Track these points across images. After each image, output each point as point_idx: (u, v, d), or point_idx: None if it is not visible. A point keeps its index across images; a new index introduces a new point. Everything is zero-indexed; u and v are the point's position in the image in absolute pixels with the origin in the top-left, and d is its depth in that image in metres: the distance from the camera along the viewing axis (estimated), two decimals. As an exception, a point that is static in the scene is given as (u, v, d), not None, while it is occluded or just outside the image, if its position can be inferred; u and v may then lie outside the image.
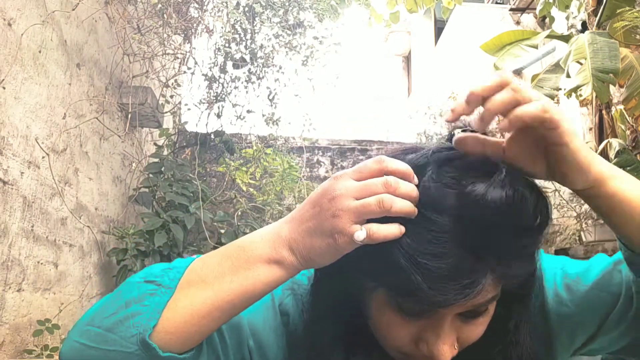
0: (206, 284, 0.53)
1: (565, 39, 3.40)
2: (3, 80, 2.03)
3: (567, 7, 4.15)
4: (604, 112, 3.81)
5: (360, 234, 0.51)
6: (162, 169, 3.44)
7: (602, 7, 3.37)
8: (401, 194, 0.52)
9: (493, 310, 0.59)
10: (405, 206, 0.51)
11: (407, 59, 12.06)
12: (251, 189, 4.14)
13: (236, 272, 0.53)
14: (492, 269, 0.51)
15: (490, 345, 0.62)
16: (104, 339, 0.52)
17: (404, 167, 0.54)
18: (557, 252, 4.01)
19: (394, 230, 0.51)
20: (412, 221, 0.52)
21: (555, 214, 4.07)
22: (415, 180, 0.54)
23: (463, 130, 0.56)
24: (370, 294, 0.58)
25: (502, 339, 0.62)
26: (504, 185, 0.51)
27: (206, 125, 3.89)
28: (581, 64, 2.93)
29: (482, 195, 0.50)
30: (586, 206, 2.76)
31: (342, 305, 0.63)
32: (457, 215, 0.50)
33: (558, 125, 0.50)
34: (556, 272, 0.69)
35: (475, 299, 0.52)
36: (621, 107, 3.48)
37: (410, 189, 0.52)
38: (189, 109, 4.18)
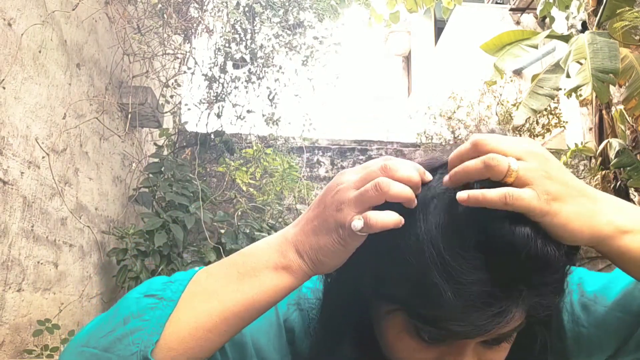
0: (211, 295, 0.50)
1: (565, 39, 3.40)
2: (3, 80, 2.03)
3: (567, 7, 4.15)
4: (604, 112, 3.82)
5: (358, 223, 0.49)
6: (162, 169, 3.44)
7: (602, 7, 3.37)
8: (400, 177, 0.50)
9: (515, 335, 0.56)
10: (403, 190, 0.49)
11: (407, 59, 12.06)
12: (251, 189, 4.14)
13: (242, 281, 0.51)
14: (523, 299, 0.49)
15: None
16: None
17: (411, 174, 0.51)
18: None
19: (393, 218, 0.49)
20: (446, 246, 0.48)
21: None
22: (428, 176, 0.52)
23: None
24: (387, 316, 0.55)
25: None
26: (526, 221, 0.48)
27: (206, 125, 3.89)
28: (581, 64, 2.93)
29: (509, 233, 0.47)
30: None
31: (353, 325, 0.59)
32: (486, 249, 0.48)
33: (528, 209, 0.47)
34: (573, 288, 0.65)
35: (503, 328, 0.50)
36: (621, 107, 3.49)
37: (410, 173, 0.50)
38: (189, 109, 4.19)
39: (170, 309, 0.49)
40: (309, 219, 0.53)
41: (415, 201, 0.50)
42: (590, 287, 0.65)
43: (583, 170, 5.45)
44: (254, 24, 3.79)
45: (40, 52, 2.35)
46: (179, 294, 0.51)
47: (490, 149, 0.49)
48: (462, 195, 0.48)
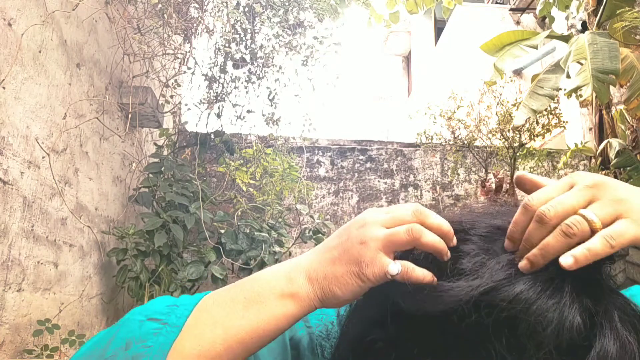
0: (215, 322, 0.49)
1: (565, 39, 3.40)
2: (3, 80, 2.03)
3: (567, 7, 4.16)
4: (604, 112, 3.82)
5: (395, 267, 0.47)
6: (162, 169, 3.44)
7: (602, 7, 3.37)
8: (431, 224, 0.49)
9: None
10: (435, 240, 0.48)
11: (407, 59, 12.06)
12: (251, 189, 4.14)
13: (248, 307, 0.49)
14: None
15: None
16: None
17: (442, 222, 0.49)
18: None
19: (428, 275, 0.47)
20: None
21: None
22: (454, 241, 0.50)
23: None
24: None
25: None
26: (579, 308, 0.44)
27: (206, 125, 3.89)
28: (581, 64, 2.93)
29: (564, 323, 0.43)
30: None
31: None
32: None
33: (636, 240, 0.45)
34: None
35: None
36: (621, 107, 3.49)
37: (442, 222, 0.49)
38: (189, 109, 4.18)
39: (174, 335, 0.48)
40: (328, 248, 0.51)
41: (448, 254, 0.48)
42: None
43: (583, 170, 5.45)
44: (254, 24, 3.79)
45: (40, 52, 2.35)
46: (183, 320, 0.49)
47: (551, 213, 0.45)
48: (567, 261, 0.44)
